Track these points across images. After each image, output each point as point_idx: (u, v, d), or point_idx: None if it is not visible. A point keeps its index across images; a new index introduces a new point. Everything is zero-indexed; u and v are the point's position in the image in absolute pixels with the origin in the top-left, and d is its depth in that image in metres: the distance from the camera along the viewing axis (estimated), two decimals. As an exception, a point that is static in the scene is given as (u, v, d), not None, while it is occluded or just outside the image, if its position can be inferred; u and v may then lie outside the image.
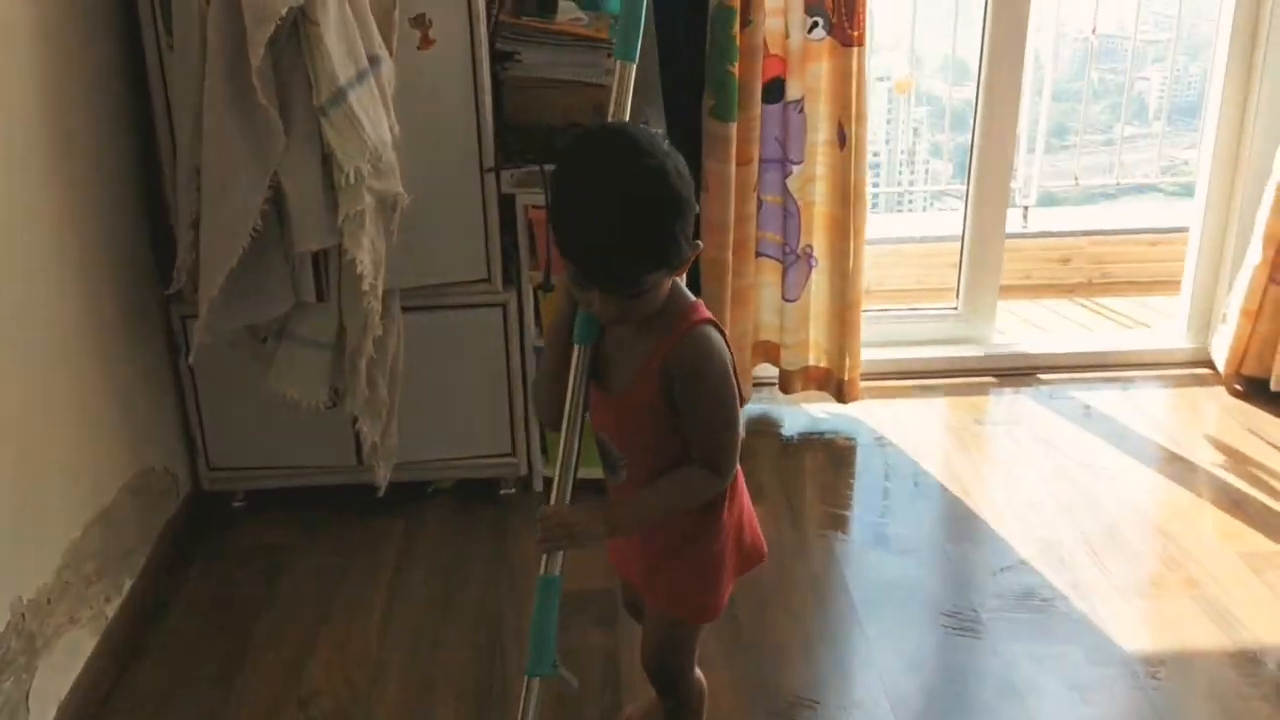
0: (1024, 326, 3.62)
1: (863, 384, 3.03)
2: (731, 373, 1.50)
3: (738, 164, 2.70)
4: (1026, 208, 4.14)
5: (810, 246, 2.87)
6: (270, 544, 2.57)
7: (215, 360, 2.50)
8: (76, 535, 2.06)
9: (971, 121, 3.18)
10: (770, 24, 2.64)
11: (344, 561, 2.50)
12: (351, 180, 2.18)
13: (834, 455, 2.88)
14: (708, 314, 1.51)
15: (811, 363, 2.98)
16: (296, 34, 2.15)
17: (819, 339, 2.95)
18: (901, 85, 3.43)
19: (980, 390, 3.19)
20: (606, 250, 1.35)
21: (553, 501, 1.50)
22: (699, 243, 1.45)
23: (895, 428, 2.98)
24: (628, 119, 1.60)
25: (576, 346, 1.50)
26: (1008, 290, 3.53)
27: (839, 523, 2.60)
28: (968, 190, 3.23)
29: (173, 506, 2.54)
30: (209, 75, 2.14)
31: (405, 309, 2.50)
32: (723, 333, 1.52)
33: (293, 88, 2.18)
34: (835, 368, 2.94)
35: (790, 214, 2.82)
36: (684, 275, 1.50)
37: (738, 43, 2.58)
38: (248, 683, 2.13)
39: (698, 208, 1.44)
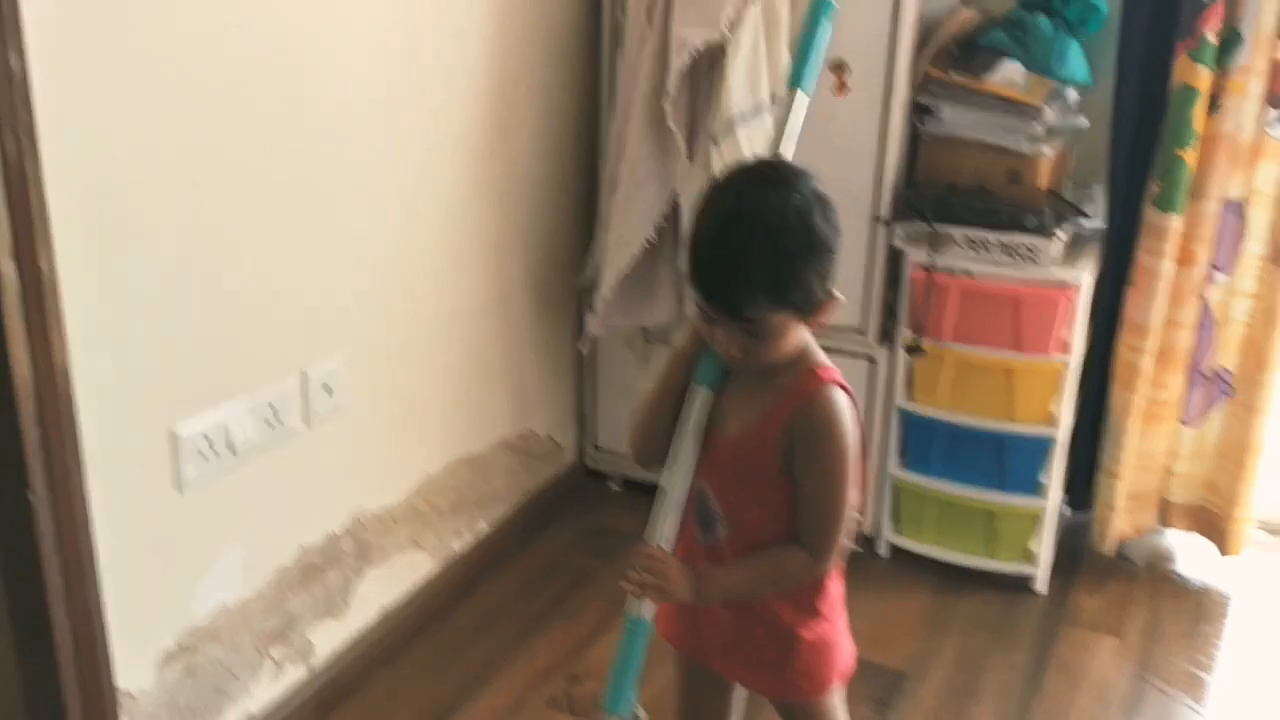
0: None
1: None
2: (854, 450, 1.38)
3: (1178, 263, 2.41)
4: None
5: (1228, 370, 2.49)
6: (619, 529, 2.75)
7: (613, 350, 2.75)
8: (436, 470, 2.38)
9: None
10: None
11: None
12: (728, 208, 2.29)
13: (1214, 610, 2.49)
14: (840, 377, 1.40)
15: (1197, 501, 2.59)
16: (714, 68, 2.30)
17: (1212, 476, 2.56)
18: None
19: None
20: (728, 275, 1.30)
21: (654, 540, 1.43)
22: (838, 296, 1.35)
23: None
24: (791, 151, 1.49)
25: (698, 386, 1.42)
26: None
27: (1194, 686, 2.25)
28: None
29: (551, 472, 2.82)
30: (635, 95, 2.35)
31: (781, 342, 2.56)
32: (855, 403, 1.41)
33: (702, 115, 2.34)
34: (1222, 514, 2.53)
35: (1205, 328, 2.46)
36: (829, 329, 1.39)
37: (1195, 127, 2.31)
38: (538, 643, 2.34)
39: (835, 256, 1.33)
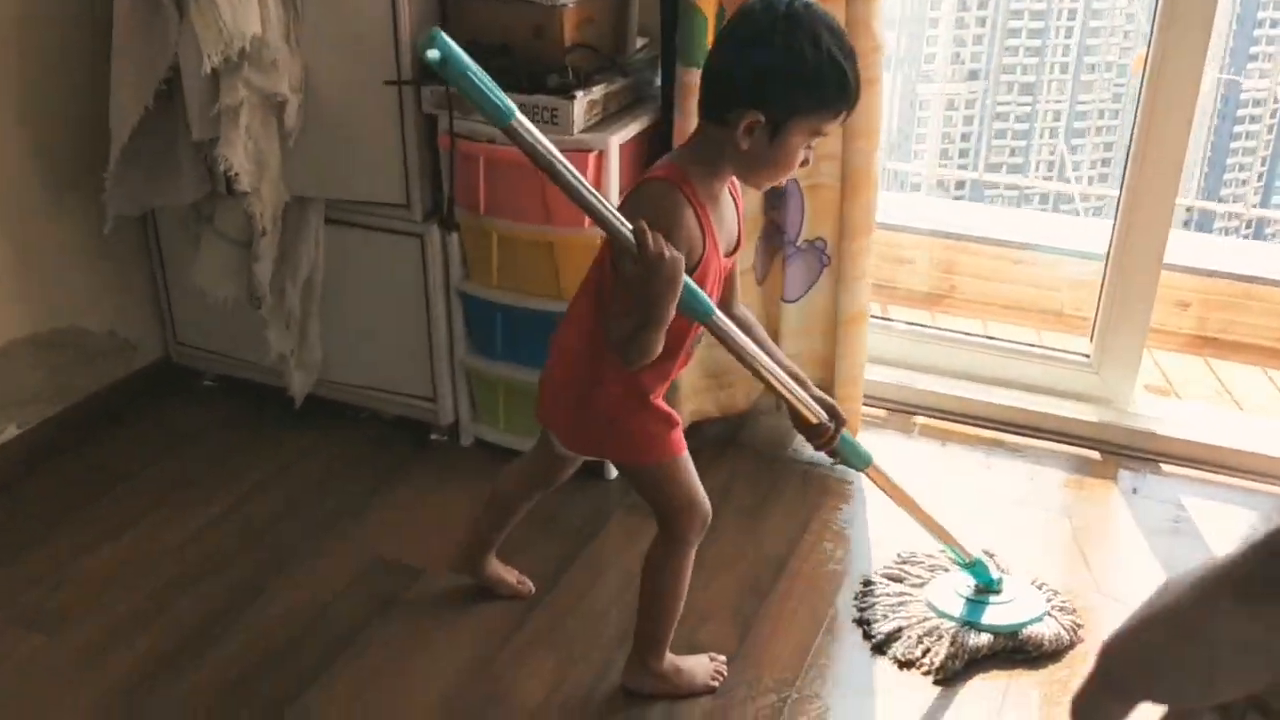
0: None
1: (939, 423, 2.59)
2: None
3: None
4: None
5: (823, 240, 2.35)
6: (202, 424, 2.57)
7: (185, 242, 2.51)
8: (-79, 369, 2.16)
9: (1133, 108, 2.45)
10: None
11: (227, 455, 2.45)
12: (208, 70, 2.06)
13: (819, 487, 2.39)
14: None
15: (814, 379, 2.44)
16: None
17: (821, 351, 2.42)
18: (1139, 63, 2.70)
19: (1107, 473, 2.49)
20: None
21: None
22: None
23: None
24: None
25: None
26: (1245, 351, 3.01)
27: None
28: (1118, 202, 2.51)
29: (122, 371, 2.60)
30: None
31: (330, 221, 2.36)
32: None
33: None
34: (835, 390, 2.40)
35: (791, 195, 2.31)
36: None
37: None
38: (34, 553, 2.16)
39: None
